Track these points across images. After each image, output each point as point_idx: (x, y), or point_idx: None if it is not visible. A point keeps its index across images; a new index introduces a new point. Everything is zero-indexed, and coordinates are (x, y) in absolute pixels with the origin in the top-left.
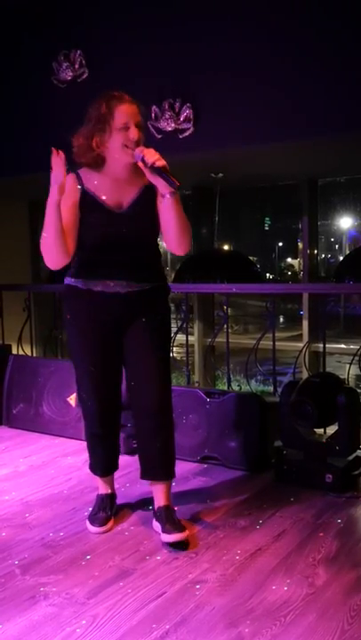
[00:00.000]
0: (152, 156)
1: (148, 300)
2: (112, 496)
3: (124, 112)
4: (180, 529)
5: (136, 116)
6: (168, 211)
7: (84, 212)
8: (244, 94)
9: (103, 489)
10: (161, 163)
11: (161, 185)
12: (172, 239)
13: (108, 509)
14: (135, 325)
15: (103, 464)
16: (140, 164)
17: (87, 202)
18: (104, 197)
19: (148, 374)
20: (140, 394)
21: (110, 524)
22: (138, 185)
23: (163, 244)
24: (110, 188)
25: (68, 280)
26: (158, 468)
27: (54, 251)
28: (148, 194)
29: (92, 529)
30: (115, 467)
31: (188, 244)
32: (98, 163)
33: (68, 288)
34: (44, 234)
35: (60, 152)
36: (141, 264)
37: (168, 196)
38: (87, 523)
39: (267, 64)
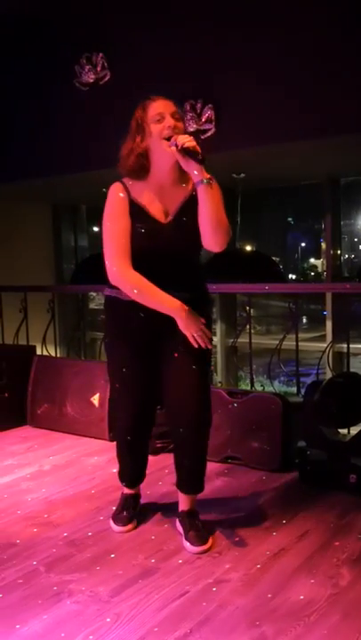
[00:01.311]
0: (183, 138)
1: (193, 307)
2: (136, 496)
3: (156, 105)
4: (203, 540)
5: (170, 107)
6: (202, 200)
7: (137, 227)
8: (265, 94)
9: (128, 489)
10: (191, 143)
11: (194, 172)
12: (207, 232)
13: (132, 509)
14: (176, 336)
15: (130, 475)
16: (174, 149)
17: (134, 211)
18: (149, 207)
19: (190, 386)
20: (183, 406)
21: (133, 523)
22: (183, 193)
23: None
24: (155, 197)
25: (109, 291)
26: (196, 482)
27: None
28: (194, 202)
29: (115, 528)
30: (142, 478)
31: (225, 238)
32: (142, 169)
33: (108, 299)
34: (136, 289)
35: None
36: (184, 274)
37: (202, 184)
38: (110, 521)
39: (288, 63)
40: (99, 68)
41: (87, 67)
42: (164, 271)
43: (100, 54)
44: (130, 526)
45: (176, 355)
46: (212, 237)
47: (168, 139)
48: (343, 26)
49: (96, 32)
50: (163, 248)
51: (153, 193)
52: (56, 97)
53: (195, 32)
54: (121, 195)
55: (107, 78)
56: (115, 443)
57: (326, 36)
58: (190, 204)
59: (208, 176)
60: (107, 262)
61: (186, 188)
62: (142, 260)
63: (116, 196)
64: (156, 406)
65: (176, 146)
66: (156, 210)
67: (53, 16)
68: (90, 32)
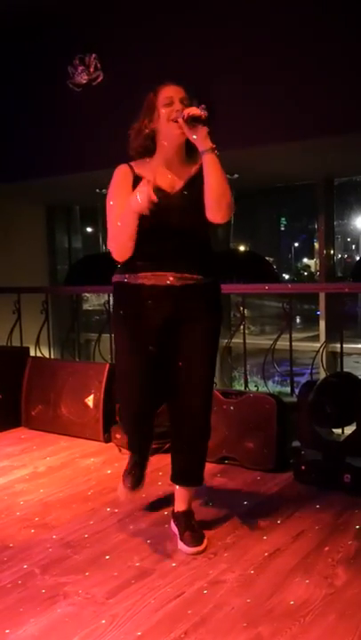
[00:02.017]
0: (188, 109)
1: (203, 296)
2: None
3: (167, 90)
4: (198, 541)
5: (180, 93)
6: (207, 169)
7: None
8: (258, 94)
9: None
10: (196, 111)
11: (200, 140)
12: (210, 201)
13: (139, 470)
14: (186, 323)
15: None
16: (181, 121)
17: (138, 184)
18: (155, 179)
19: (198, 375)
20: (188, 395)
21: (139, 488)
22: (190, 170)
23: None
24: (162, 172)
25: (117, 277)
26: (193, 473)
27: (124, 237)
28: (201, 178)
29: (121, 488)
30: (147, 449)
31: (228, 209)
32: (149, 148)
33: (116, 284)
34: (117, 223)
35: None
36: (195, 255)
37: (208, 152)
38: (120, 485)
39: (281, 64)
40: (92, 69)
41: (80, 67)
42: (173, 250)
43: (94, 55)
44: (135, 491)
45: (189, 339)
46: (214, 207)
47: (176, 122)
48: (334, 25)
49: (89, 33)
50: (170, 218)
51: (160, 170)
52: (50, 98)
53: (187, 32)
54: (124, 170)
55: (100, 79)
56: (109, 444)
57: (319, 37)
58: (197, 180)
59: (213, 145)
60: (108, 241)
61: (193, 165)
62: (151, 235)
63: (119, 173)
64: (160, 398)
65: (183, 117)
66: (162, 181)
67: (47, 17)
68: (83, 33)
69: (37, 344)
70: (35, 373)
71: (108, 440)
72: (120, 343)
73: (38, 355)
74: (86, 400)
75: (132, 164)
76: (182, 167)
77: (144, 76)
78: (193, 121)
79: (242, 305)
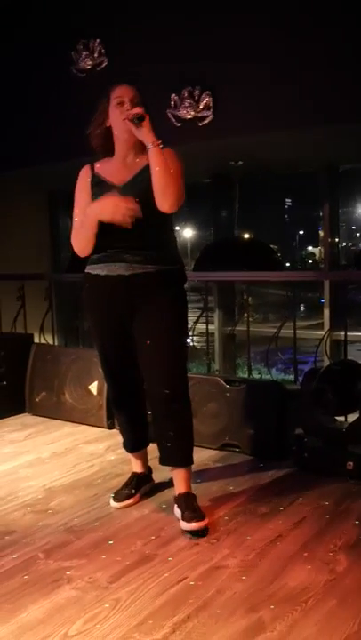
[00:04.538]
0: (134, 110)
1: (157, 283)
2: (140, 476)
3: (117, 90)
4: (199, 517)
5: (129, 93)
6: (151, 163)
7: (95, 194)
8: (263, 81)
9: (134, 467)
10: (137, 110)
11: (144, 137)
12: (156, 191)
13: (132, 488)
14: (142, 310)
15: (128, 441)
16: (127, 121)
17: (95, 184)
18: (109, 177)
19: (157, 360)
20: (152, 380)
21: (130, 501)
22: (143, 162)
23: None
24: (118, 168)
25: (86, 268)
26: (175, 454)
27: (84, 239)
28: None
29: (111, 503)
30: (141, 444)
31: (175, 199)
32: (105, 147)
33: (84, 276)
34: (77, 224)
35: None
36: (147, 245)
37: (151, 147)
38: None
39: (286, 50)
40: (96, 54)
41: (84, 53)
42: (124, 242)
43: (97, 40)
44: (123, 504)
45: (146, 324)
46: (160, 197)
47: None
48: (342, 11)
49: (92, 17)
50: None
51: (117, 165)
52: (52, 83)
53: (192, 18)
54: (84, 171)
55: (104, 64)
56: (113, 430)
57: (326, 23)
58: (147, 172)
59: (157, 141)
60: (71, 239)
61: (147, 158)
62: (105, 232)
63: (80, 175)
64: (138, 378)
65: (128, 117)
66: (115, 177)
67: (48, 1)
68: (86, 17)
69: (41, 331)
70: (39, 360)
71: (111, 426)
72: (91, 329)
73: (42, 341)
74: (90, 387)
75: (96, 163)
76: (138, 159)
77: (148, 62)
78: (137, 120)
79: (246, 293)
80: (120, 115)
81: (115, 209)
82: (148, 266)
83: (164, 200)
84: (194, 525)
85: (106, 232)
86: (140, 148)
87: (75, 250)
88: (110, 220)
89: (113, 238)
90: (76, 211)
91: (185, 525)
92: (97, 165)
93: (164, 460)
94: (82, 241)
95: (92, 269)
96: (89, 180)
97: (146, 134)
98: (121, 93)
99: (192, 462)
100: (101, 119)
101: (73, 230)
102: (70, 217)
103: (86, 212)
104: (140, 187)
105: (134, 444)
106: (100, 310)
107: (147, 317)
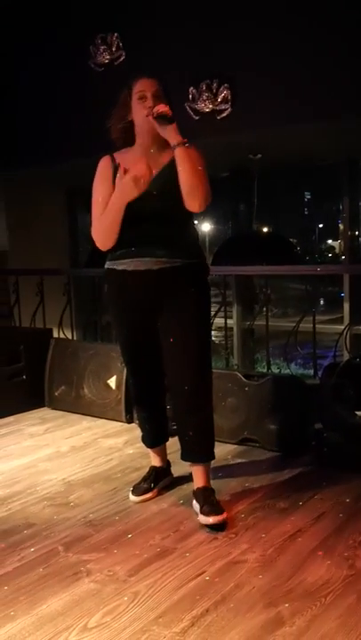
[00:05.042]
0: (158, 107)
1: (185, 276)
2: (158, 470)
3: (139, 84)
4: (218, 511)
5: (152, 87)
6: (178, 163)
7: (115, 184)
8: (281, 74)
9: (153, 461)
10: (163, 109)
11: (170, 136)
12: (184, 193)
13: (151, 482)
14: (169, 305)
15: (148, 436)
16: (151, 119)
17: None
18: (132, 167)
19: (181, 356)
20: (175, 376)
21: (148, 495)
22: (168, 156)
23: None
24: (140, 160)
25: (107, 264)
26: (196, 449)
27: (108, 230)
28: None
29: (130, 497)
30: (160, 440)
31: (203, 199)
32: (128, 139)
33: (106, 271)
34: (101, 216)
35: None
36: (172, 239)
37: (177, 147)
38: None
39: (306, 43)
40: (114, 49)
41: (102, 47)
42: (150, 236)
43: (115, 34)
44: (141, 498)
45: (171, 319)
46: (189, 198)
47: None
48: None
49: (110, 12)
50: (145, 204)
51: (139, 157)
52: (70, 79)
53: (210, 12)
54: (105, 162)
55: (122, 59)
56: (131, 424)
57: (345, 17)
58: (173, 167)
59: (183, 140)
60: (92, 233)
61: (171, 152)
62: (130, 227)
63: (100, 166)
64: (161, 373)
65: (152, 115)
66: (139, 169)
67: None
68: (104, 12)
69: (60, 326)
70: (58, 354)
71: (129, 421)
72: (114, 324)
73: (61, 336)
74: (108, 381)
75: (115, 153)
76: (161, 152)
77: (166, 55)
78: (161, 118)
79: (265, 287)
80: (142, 109)
81: (134, 181)
82: (175, 260)
83: (194, 200)
84: (212, 519)
85: (130, 227)
86: (163, 142)
87: (96, 243)
88: (137, 192)
89: (137, 234)
90: (99, 199)
91: (203, 519)
92: (117, 156)
93: (185, 456)
94: (105, 231)
95: (116, 265)
96: (111, 170)
97: (171, 133)
98: (143, 87)
99: (213, 458)
100: (124, 112)
101: (93, 220)
102: (89, 212)
103: (111, 200)
104: (164, 183)
105: (153, 440)
106: (127, 306)
107: (173, 313)
